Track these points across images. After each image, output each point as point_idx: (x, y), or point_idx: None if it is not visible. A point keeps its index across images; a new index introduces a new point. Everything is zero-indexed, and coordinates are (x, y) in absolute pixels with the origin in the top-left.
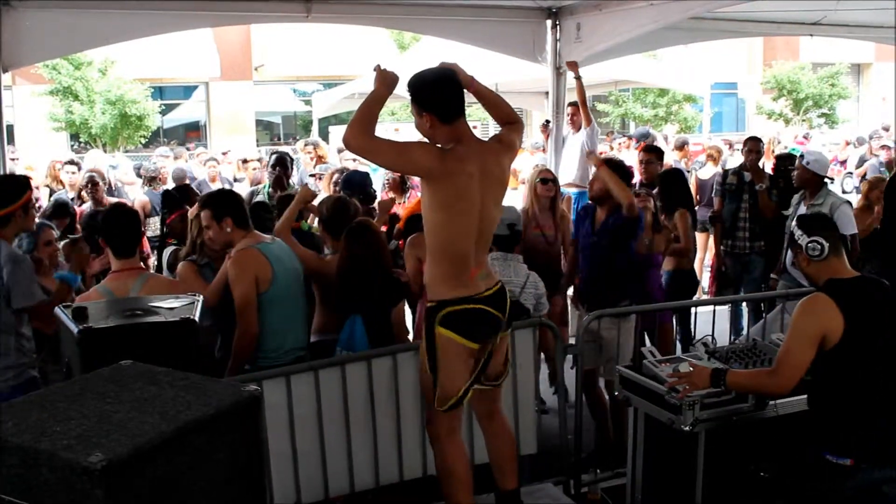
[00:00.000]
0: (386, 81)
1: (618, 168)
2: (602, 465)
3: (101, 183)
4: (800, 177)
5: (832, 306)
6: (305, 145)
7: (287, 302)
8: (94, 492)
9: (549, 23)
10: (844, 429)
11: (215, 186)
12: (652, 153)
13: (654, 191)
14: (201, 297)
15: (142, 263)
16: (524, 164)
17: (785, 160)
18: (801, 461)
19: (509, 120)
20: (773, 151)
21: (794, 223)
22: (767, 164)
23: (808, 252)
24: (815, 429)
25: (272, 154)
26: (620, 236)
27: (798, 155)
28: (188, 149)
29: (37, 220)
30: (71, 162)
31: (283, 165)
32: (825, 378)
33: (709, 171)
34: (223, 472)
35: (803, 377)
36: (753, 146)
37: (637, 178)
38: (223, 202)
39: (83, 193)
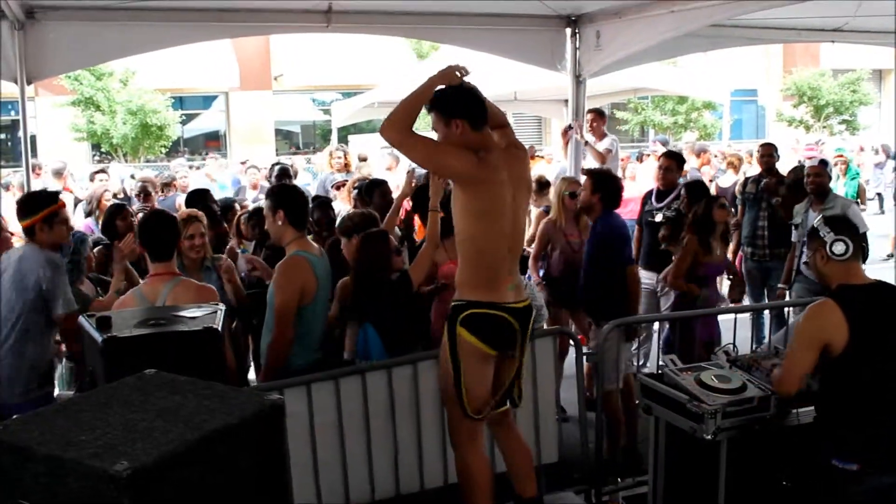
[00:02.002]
0: (444, 74)
1: (606, 179)
2: (623, 474)
3: (152, 193)
4: (822, 183)
5: (838, 314)
6: (336, 150)
7: (320, 318)
8: (121, 500)
9: (568, 31)
10: (850, 434)
11: (255, 193)
12: (672, 160)
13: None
14: (222, 305)
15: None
16: (541, 172)
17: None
18: (810, 468)
19: (500, 123)
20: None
21: (820, 221)
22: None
23: (831, 250)
24: (822, 435)
25: (274, 165)
26: (601, 247)
27: (822, 161)
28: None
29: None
30: (102, 171)
31: (285, 176)
32: (831, 384)
33: (729, 179)
34: (247, 480)
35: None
36: (766, 151)
37: (654, 186)
38: (282, 195)
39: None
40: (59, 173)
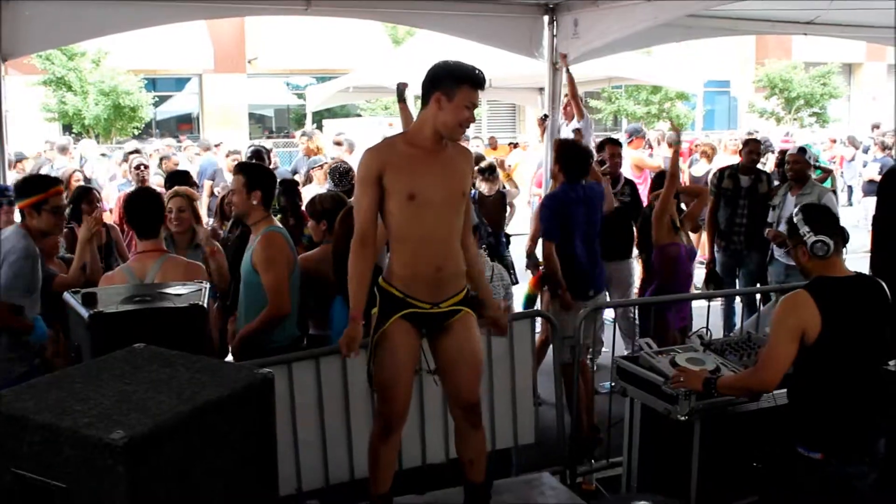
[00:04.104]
0: None
1: (572, 150)
2: (597, 456)
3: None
4: (801, 170)
5: (811, 304)
6: (302, 135)
7: (296, 293)
8: (116, 468)
9: (545, 18)
10: (816, 423)
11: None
12: (618, 146)
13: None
14: (207, 283)
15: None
16: (517, 160)
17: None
18: (778, 452)
19: None
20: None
21: (800, 217)
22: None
23: (812, 250)
24: (790, 422)
25: (249, 147)
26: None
27: (800, 149)
28: (179, 140)
29: None
30: (136, 151)
31: (259, 158)
32: (801, 372)
33: (702, 168)
34: (237, 451)
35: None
36: (754, 148)
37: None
38: (260, 176)
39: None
40: (63, 149)
